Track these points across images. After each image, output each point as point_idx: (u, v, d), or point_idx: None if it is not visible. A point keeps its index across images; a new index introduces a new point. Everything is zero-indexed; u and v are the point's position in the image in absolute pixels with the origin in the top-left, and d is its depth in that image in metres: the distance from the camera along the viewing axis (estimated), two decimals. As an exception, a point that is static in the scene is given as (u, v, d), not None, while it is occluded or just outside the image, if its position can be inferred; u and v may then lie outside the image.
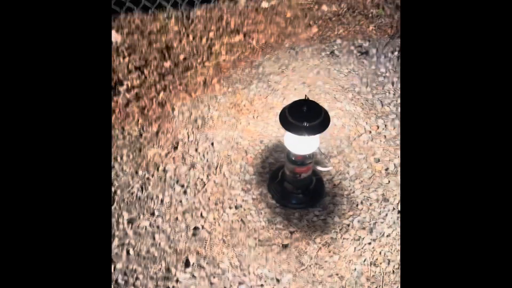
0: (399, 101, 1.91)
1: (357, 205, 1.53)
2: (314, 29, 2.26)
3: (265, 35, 2.24)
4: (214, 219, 1.49)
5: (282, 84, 2.00)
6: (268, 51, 2.18)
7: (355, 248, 1.40)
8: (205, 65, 2.07)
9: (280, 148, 1.72)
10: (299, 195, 1.53)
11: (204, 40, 2.20)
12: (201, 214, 1.51)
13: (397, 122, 1.81)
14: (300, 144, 1.32)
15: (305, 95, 1.28)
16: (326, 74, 2.03)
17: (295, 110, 1.24)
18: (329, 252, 1.40)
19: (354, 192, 1.57)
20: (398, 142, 1.74)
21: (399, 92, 1.95)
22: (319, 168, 1.54)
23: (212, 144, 1.73)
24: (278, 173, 1.56)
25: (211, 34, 2.23)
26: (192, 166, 1.66)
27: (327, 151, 1.68)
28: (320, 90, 1.95)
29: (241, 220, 1.49)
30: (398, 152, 1.69)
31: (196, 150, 1.71)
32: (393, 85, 1.98)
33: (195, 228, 1.47)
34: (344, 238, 1.43)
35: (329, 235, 1.44)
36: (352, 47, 2.20)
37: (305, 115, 1.22)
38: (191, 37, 2.20)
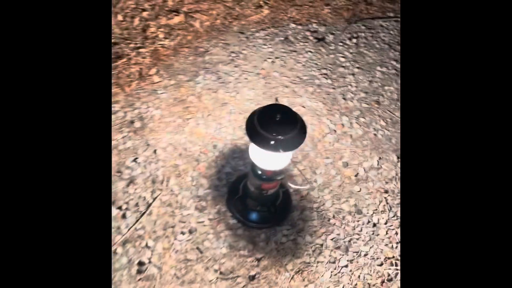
0: (362, 95, 1.74)
1: (328, 219, 1.34)
2: (265, 11, 2.00)
3: (210, 16, 1.92)
4: (163, 249, 1.21)
5: (233, 75, 1.73)
6: (215, 35, 1.88)
7: (331, 273, 1.22)
8: (140, 52, 1.72)
9: (238, 153, 1.47)
10: (264, 212, 1.30)
11: (136, 21, 1.83)
12: (147, 244, 1.22)
13: (363, 119, 1.65)
14: (271, 159, 1.08)
15: (276, 99, 1.03)
16: (282, 64, 1.80)
17: (266, 119, 0.99)
18: (303, 280, 1.20)
19: (324, 204, 1.38)
20: (366, 142, 1.57)
21: (361, 84, 1.78)
22: (293, 186, 1.32)
23: (155, 151, 1.43)
24: (239, 187, 1.32)
25: (145, 14, 1.86)
26: (131, 181, 1.34)
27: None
28: (277, 83, 1.71)
29: (197, 248, 1.23)
30: (367, 153, 1.53)
31: (135, 160, 1.40)
32: (354, 76, 1.80)
33: (140, 263, 1.18)
34: (318, 262, 1.24)
35: (301, 259, 1.24)
36: (308, 33, 1.98)
37: (278, 126, 0.97)
38: (120, 17, 1.81)
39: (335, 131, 1.59)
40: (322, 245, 1.28)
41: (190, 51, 1.79)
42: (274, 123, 0.97)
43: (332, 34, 1.99)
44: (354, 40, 1.97)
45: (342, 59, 1.88)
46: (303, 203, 1.37)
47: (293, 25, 1.99)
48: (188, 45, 1.81)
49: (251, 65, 1.77)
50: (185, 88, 1.64)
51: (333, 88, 1.74)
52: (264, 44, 1.87)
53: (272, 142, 0.95)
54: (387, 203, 1.39)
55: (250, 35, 1.90)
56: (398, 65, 1.87)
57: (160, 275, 1.17)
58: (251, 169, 1.18)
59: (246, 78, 1.72)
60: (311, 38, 1.95)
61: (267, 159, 1.07)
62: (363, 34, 2.01)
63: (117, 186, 1.33)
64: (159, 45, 1.75)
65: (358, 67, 1.85)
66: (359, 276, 1.23)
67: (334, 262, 1.25)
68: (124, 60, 1.66)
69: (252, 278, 1.19)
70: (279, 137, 0.95)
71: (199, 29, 1.86)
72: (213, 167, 1.42)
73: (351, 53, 1.91)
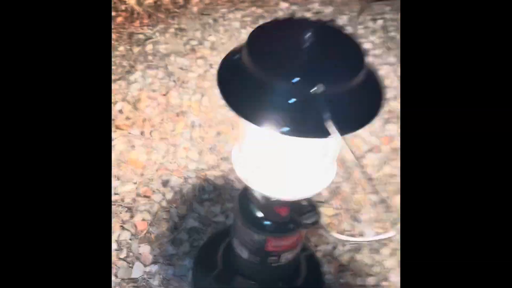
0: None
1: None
2: (241, -14, 1.59)
3: (154, -7, 1.50)
4: None
5: (195, 70, 1.25)
6: (161, 17, 1.43)
7: None
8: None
9: (210, 192, 0.95)
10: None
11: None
12: None
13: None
14: (296, 163, 0.58)
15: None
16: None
17: (278, 47, 0.49)
18: None
19: (387, 278, 0.85)
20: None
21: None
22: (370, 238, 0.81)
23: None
24: (216, 255, 0.79)
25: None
26: None
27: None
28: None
29: None
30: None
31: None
32: (391, 67, 1.37)
33: None
34: None
35: None
36: (308, 14, 1.57)
37: (315, 62, 0.47)
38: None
39: (379, 147, 1.10)
40: None
41: (122, 39, 1.32)
42: (304, 56, 0.47)
43: (346, 15, 1.58)
44: (380, 22, 1.57)
45: (368, 46, 1.45)
46: (346, 277, 0.84)
47: (285, 4, 1.58)
48: (119, 31, 1.35)
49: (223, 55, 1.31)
50: (112, 90, 1.14)
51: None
52: (243, 28, 1.43)
53: (310, 106, 0.44)
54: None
55: (219, 17, 1.47)
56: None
57: None
58: (242, 210, 0.67)
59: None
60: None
61: (284, 168, 0.57)
62: (388, 16, 1.61)
63: None
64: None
65: (395, 55, 1.42)
66: None
67: None
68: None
69: None
70: (326, 89, 0.44)
71: (135, 8, 1.41)
72: (163, 221, 0.89)
73: (380, 38, 1.50)
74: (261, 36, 0.50)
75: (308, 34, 0.47)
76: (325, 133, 0.44)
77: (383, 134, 1.14)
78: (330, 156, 0.57)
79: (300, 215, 0.60)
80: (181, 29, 1.40)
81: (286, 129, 0.44)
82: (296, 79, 0.44)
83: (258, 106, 0.45)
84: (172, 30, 1.39)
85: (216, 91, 1.15)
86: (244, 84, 0.47)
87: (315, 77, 0.45)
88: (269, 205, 0.62)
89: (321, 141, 0.54)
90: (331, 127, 0.42)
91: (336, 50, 0.50)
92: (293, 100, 0.44)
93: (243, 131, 0.56)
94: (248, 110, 0.45)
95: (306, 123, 0.44)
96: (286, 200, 0.59)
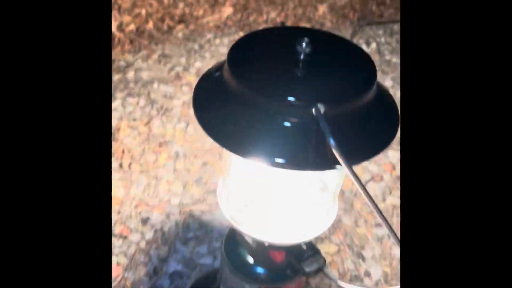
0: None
1: None
2: (227, 10, 1.52)
3: (136, 16, 1.42)
4: None
5: (180, 97, 1.17)
6: (144, 43, 1.35)
7: None
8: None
9: (196, 230, 0.85)
10: None
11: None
12: None
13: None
14: (292, 199, 0.49)
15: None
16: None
17: (269, 60, 0.40)
18: None
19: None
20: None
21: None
22: None
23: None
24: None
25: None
26: None
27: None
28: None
29: None
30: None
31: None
32: (390, 89, 1.28)
33: None
34: None
35: None
36: (298, 38, 1.49)
37: (311, 77, 0.38)
38: None
39: (381, 176, 1.01)
40: None
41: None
42: (300, 69, 0.39)
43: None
44: (373, 45, 1.50)
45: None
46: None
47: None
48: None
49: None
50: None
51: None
52: (230, 53, 1.36)
53: (310, 128, 0.35)
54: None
55: (205, 43, 1.39)
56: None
57: None
58: (230, 255, 0.57)
59: (204, 101, 1.15)
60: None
61: (278, 206, 0.47)
62: (383, 40, 1.55)
63: None
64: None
65: (392, 79, 1.34)
66: None
67: None
68: None
69: None
70: (325, 106, 0.35)
71: (117, 34, 1.34)
72: (140, 264, 0.78)
73: (375, 61, 1.42)
74: (248, 47, 0.42)
75: (304, 43, 0.38)
76: (329, 164, 0.34)
77: (385, 161, 1.05)
78: (331, 191, 0.48)
79: (300, 261, 0.51)
80: (165, 55, 1.32)
81: (280, 160, 0.34)
82: (292, 98, 0.35)
83: (244, 133, 0.36)
84: (155, 56, 1.31)
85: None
86: (225, 106, 0.38)
87: (315, 94, 0.36)
88: (261, 249, 0.52)
89: (323, 173, 0.45)
90: (337, 155, 0.33)
91: (339, 62, 0.41)
92: (288, 123, 0.35)
93: (227, 163, 0.47)
94: (232, 138, 0.36)
95: (305, 152, 0.35)
96: (282, 244, 0.49)
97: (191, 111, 1.08)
